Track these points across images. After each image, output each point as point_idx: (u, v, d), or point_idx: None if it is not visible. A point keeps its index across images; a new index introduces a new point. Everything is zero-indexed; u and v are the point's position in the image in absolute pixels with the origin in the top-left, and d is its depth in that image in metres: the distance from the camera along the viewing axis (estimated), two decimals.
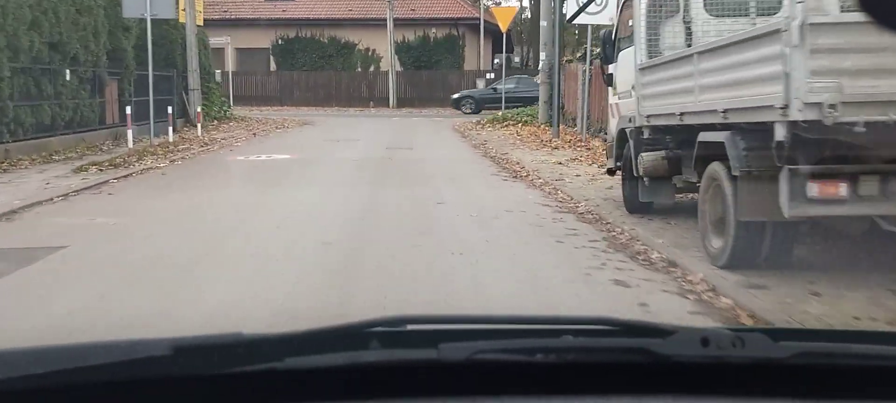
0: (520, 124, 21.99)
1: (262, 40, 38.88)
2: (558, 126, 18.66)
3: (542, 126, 20.13)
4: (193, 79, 21.31)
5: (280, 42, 39.45)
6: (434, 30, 38.35)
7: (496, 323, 1.42)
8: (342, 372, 1.21)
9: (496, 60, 39.30)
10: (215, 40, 29.02)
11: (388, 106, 36.24)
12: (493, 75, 36.17)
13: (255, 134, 20.62)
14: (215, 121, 22.75)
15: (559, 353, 1.24)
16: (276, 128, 23.22)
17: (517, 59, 43.37)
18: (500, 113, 24.90)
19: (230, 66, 37.67)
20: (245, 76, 38.50)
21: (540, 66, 21.26)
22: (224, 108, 25.14)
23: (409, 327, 1.29)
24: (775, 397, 1.25)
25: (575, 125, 18.98)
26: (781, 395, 1.25)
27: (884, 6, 1.36)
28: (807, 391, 1.25)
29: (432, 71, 38.23)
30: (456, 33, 38.38)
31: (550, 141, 17.33)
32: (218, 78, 35.75)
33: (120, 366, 1.16)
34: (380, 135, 20.66)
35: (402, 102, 36.88)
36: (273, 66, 39.86)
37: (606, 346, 1.29)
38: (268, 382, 1.19)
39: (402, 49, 38.17)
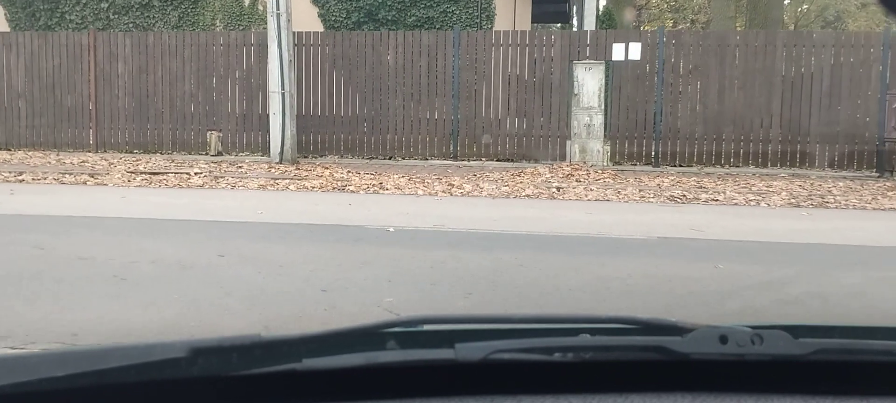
0: None
1: None
2: None
3: None
4: None
5: None
6: None
7: (513, 322, 1.41)
8: (359, 373, 1.21)
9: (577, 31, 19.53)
10: None
11: (265, 152, 14.59)
12: (639, 46, 14.79)
13: None
14: None
15: (577, 352, 1.24)
16: None
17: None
18: None
19: None
20: None
21: None
22: None
23: (426, 327, 1.29)
24: (795, 394, 1.24)
25: None
26: (801, 393, 1.24)
27: None
28: (827, 388, 1.24)
29: (418, 31, 15.46)
30: None
31: None
32: None
33: (138, 368, 1.16)
34: None
35: (314, 137, 15.04)
36: (3, 26, 18.60)
37: (624, 344, 1.29)
38: (285, 383, 1.20)
39: None
